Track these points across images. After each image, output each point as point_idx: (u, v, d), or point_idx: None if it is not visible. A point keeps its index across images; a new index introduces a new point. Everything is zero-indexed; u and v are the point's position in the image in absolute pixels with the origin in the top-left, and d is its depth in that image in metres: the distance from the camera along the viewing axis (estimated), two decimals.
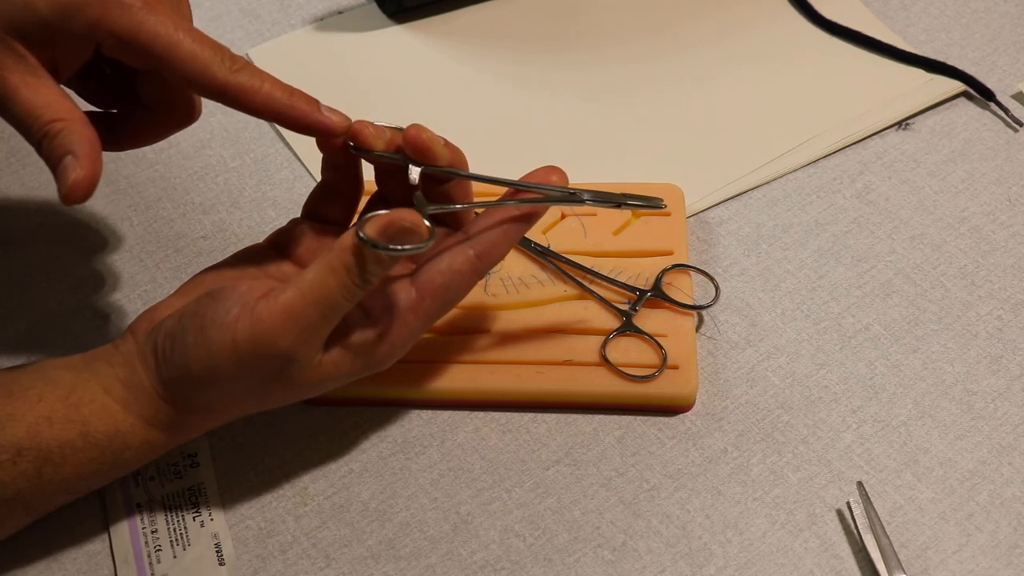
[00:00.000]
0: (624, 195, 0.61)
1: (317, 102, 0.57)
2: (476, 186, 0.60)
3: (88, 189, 0.53)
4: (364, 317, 0.57)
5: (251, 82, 0.56)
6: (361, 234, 0.52)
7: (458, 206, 0.59)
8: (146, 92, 0.60)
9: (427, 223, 0.54)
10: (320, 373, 0.56)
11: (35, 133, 0.54)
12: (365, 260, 0.53)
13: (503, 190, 0.59)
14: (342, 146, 0.59)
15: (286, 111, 0.56)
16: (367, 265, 0.53)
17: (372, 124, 0.58)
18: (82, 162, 0.53)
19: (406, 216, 0.53)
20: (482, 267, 0.57)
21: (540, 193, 0.58)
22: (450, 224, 0.60)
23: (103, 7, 0.54)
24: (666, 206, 0.62)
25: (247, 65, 0.56)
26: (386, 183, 0.61)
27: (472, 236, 0.57)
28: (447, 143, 0.58)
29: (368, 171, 0.61)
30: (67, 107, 0.54)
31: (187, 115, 0.62)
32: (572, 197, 0.59)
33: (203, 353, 0.54)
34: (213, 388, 0.56)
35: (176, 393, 0.56)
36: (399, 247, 0.53)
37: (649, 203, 0.61)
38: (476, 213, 0.62)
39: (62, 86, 0.56)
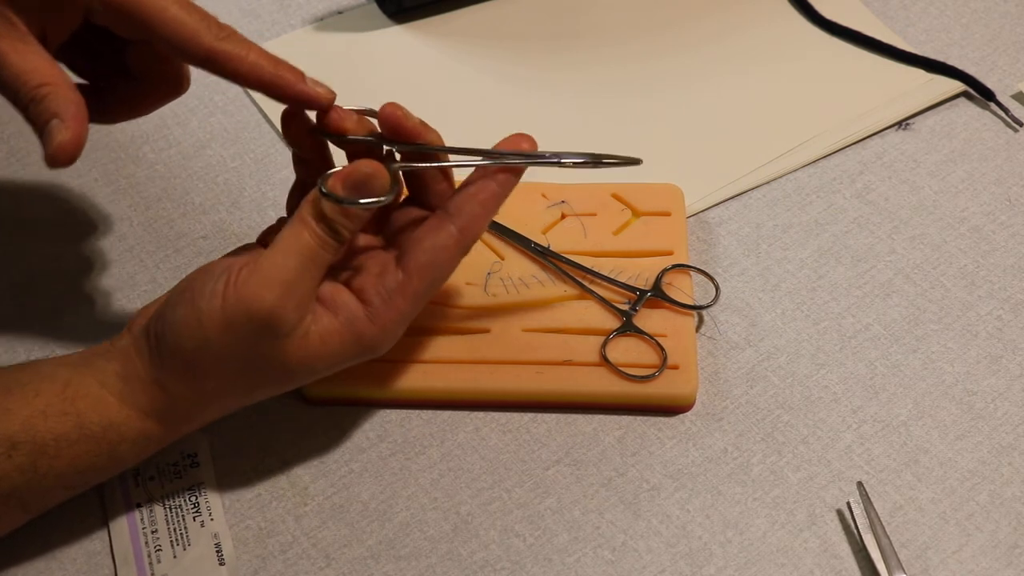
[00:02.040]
0: (600, 154, 0.60)
1: (303, 73, 0.58)
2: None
3: (73, 152, 0.53)
4: (353, 298, 0.57)
5: (237, 50, 0.56)
6: (322, 188, 0.54)
7: (424, 165, 0.60)
8: (134, 63, 0.61)
9: (389, 172, 0.55)
10: (308, 347, 0.56)
11: (23, 97, 0.54)
12: (331, 211, 0.54)
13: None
14: (307, 132, 0.60)
15: (271, 80, 0.57)
16: (334, 217, 0.54)
17: (338, 107, 0.59)
18: (68, 124, 0.53)
19: (366, 165, 0.55)
20: (465, 241, 0.58)
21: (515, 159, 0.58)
22: (430, 205, 0.61)
23: None
24: (642, 161, 0.61)
25: (234, 33, 0.57)
26: None
27: (452, 211, 0.58)
28: (423, 123, 0.59)
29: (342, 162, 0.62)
30: (55, 72, 0.54)
31: (175, 86, 0.62)
32: (547, 160, 0.59)
33: (194, 324, 0.55)
34: (207, 366, 0.56)
35: (169, 373, 0.56)
36: (357, 200, 0.55)
37: (627, 162, 0.60)
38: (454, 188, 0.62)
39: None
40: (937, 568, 0.60)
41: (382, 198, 0.55)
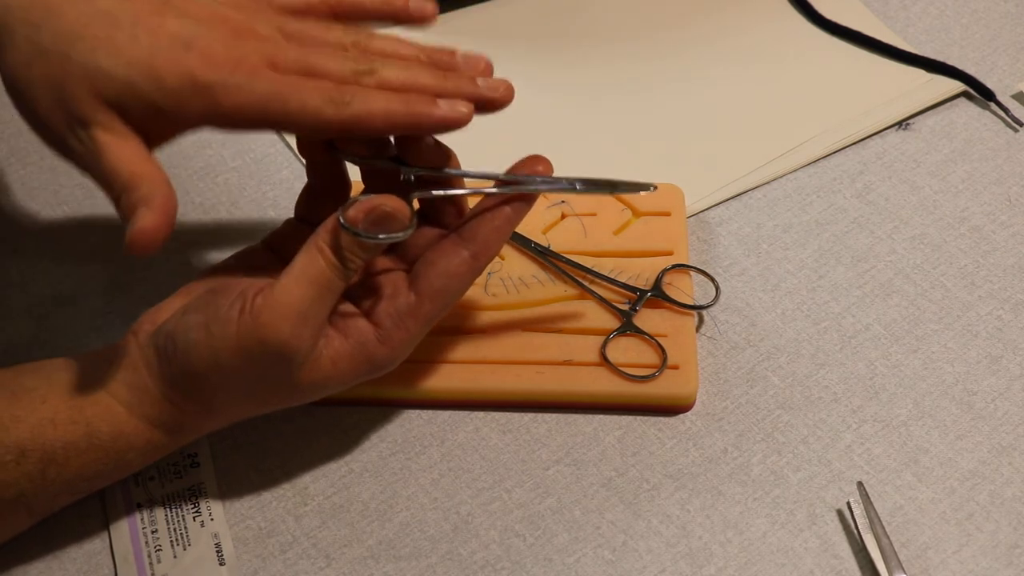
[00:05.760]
0: (614, 181, 0.61)
1: (433, 100, 0.55)
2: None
3: (153, 240, 0.52)
4: (364, 320, 0.57)
5: (363, 109, 0.54)
6: (342, 220, 0.53)
7: (442, 192, 0.59)
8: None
9: (409, 209, 0.55)
10: (319, 370, 0.56)
11: (116, 188, 0.53)
12: (347, 243, 0.54)
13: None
14: (323, 148, 0.59)
15: (407, 123, 0.55)
16: (350, 248, 0.54)
17: None
18: (154, 211, 0.52)
19: (388, 201, 0.54)
20: (478, 265, 0.57)
21: (531, 184, 0.58)
22: (443, 224, 0.61)
23: (213, 96, 0.53)
24: (656, 188, 0.61)
25: (357, 92, 0.54)
26: (373, 182, 0.61)
27: (465, 236, 0.57)
28: (438, 143, 0.58)
29: (355, 171, 0.61)
30: (151, 168, 0.54)
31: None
32: (562, 187, 0.59)
33: (207, 349, 0.54)
34: (217, 385, 0.56)
35: (180, 393, 0.56)
36: (376, 235, 0.54)
37: (641, 187, 0.61)
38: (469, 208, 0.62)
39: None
40: (937, 568, 0.60)
41: (400, 233, 0.55)
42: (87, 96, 0.53)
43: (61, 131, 0.54)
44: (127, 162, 0.53)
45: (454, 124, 0.55)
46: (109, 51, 0.53)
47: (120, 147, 0.53)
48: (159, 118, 0.54)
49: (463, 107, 0.55)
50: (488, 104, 0.56)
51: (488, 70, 0.58)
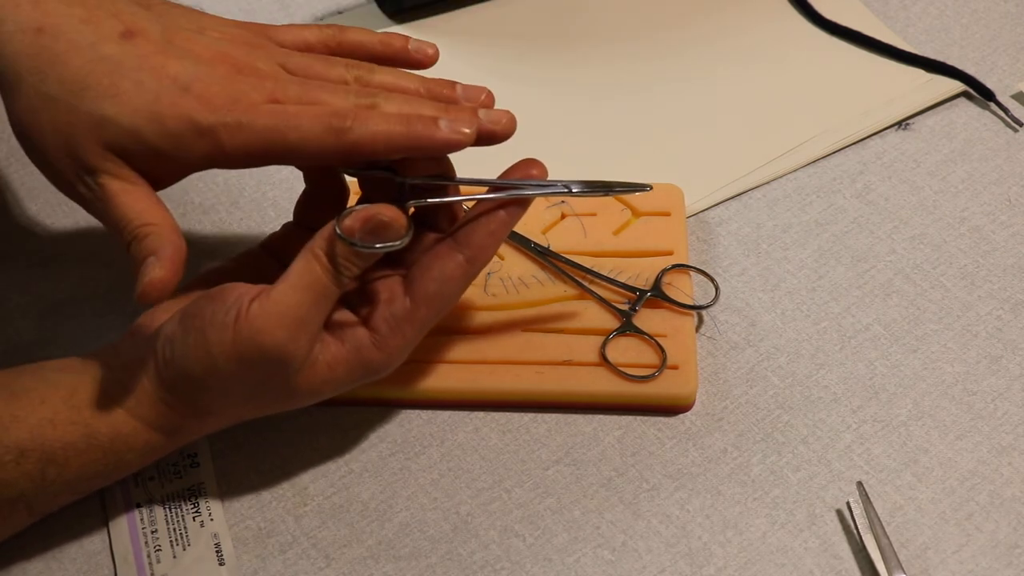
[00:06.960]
0: (610, 183, 0.61)
1: (434, 121, 0.55)
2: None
3: (163, 291, 0.54)
4: (360, 326, 0.57)
5: (364, 133, 0.54)
6: (338, 230, 0.53)
7: (438, 199, 0.59)
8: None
9: (406, 218, 0.55)
10: (316, 375, 0.56)
11: (126, 236, 0.55)
12: (343, 251, 0.54)
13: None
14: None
15: (408, 143, 0.55)
16: (346, 256, 0.54)
17: None
18: (163, 263, 0.54)
19: (385, 211, 0.54)
20: (473, 270, 0.57)
21: (526, 188, 0.58)
22: (438, 228, 0.61)
23: (214, 137, 0.54)
24: (652, 188, 0.62)
25: (357, 116, 0.54)
26: (369, 188, 0.61)
27: (460, 240, 0.57)
28: None
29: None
30: (160, 214, 0.55)
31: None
32: (557, 191, 0.59)
33: (203, 354, 0.54)
34: (214, 390, 0.56)
35: (177, 396, 0.56)
36: (373, 245, 0.54)
37: (636, 188, 0.61)
38: (465, 209, 0.62)
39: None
40: (937, 568, 0.60)
41: (396, 242, 0.55)
42: (94, 145, 0.54)
43: (70, 177, 0.55)
44: (136, 211, 0.55)
45: (456, 146, 0.55)
46: (114, 99, 0.54)
47: (128, 194, 0.55)
48: (165, 161, 0.55)
49: (465, 127, 0.55)
50: (490, 136, 0.56)
51: (489, 101, 0.59)
